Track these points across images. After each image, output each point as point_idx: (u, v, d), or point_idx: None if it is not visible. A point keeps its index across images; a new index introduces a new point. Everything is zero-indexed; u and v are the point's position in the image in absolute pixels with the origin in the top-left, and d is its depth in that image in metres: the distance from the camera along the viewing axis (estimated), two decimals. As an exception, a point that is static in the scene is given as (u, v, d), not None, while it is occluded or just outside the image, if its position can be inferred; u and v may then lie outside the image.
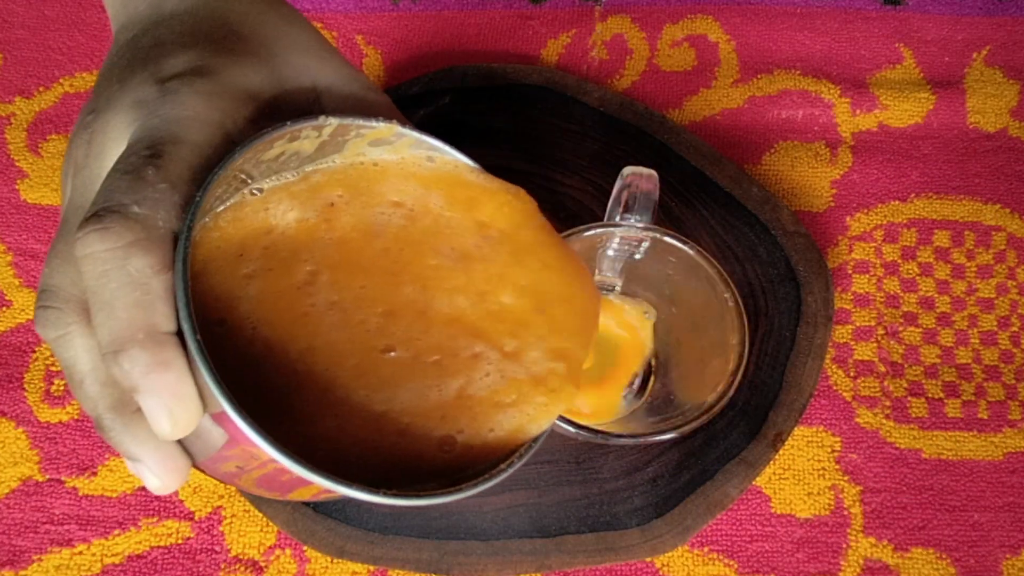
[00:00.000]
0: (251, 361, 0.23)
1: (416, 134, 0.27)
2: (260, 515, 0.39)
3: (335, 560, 0.38)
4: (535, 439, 0.25)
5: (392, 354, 0.25)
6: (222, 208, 0.25)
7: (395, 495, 0.21)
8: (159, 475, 0.23)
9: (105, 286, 0.21)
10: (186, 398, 0.21)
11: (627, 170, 0.37)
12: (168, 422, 0.21)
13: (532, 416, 0.25)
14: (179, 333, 0.21)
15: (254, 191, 0.26)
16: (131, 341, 0.21)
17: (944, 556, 0.39)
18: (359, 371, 0.24)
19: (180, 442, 0.24)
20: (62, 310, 0.23)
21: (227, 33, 0.27)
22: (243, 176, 0.25)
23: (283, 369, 0.24)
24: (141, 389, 0.21)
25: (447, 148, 0.28)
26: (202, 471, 0.25)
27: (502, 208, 0.28)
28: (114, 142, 0.24)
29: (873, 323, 0.43)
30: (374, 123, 0.26)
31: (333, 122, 0.25)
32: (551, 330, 0.26)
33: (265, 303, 0.24)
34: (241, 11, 0.27)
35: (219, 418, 0.21)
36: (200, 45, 0.26)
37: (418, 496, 0.22)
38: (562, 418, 0.34)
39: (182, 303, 0.21)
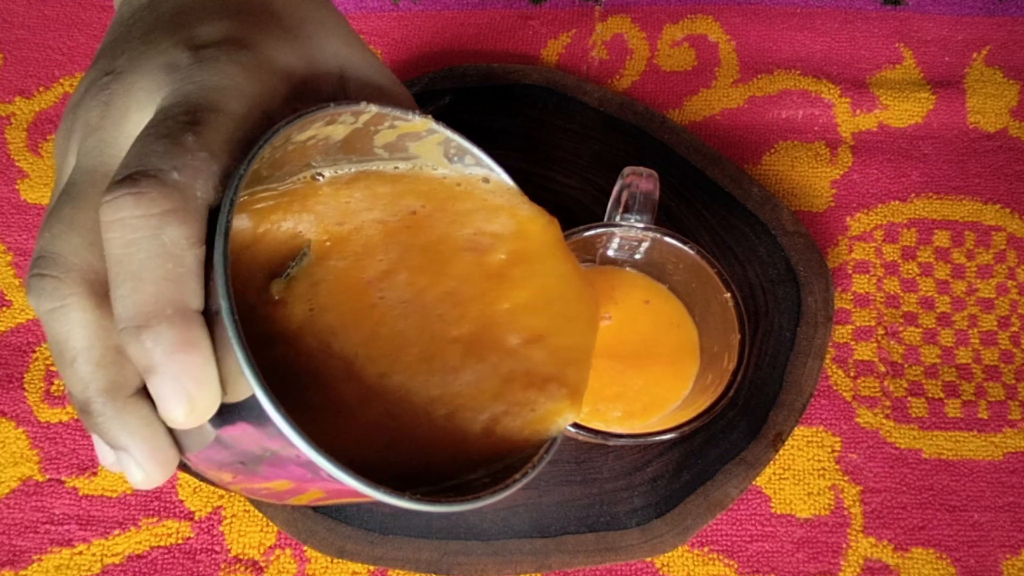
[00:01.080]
0: (305, 345, 0.23)
1: (448, 132, 0.27)
2: (260, 515, 0.39)
3: (335, 560, 0.38)
4: (550, 446, 0.25)
5: (463, 343, 0.25)
6: (279, 186, 0.25)
7: (420, 500, 0.21)
8: (146, 467, 0.22)
9: (134, 255, 0.20)
10: (208, 384, 0.20)
11: (627, 170, 0.37)
12: (184, 409, 0.20)
13: (558, 409, 0.26)
14: (205, 313, 0.20)
15: (317, 176, 0.26)
16: (158, 316, 0.19)
17: (944, 556, 0.39)
18: (424, 356, 0.25)
19: (171, 433, 0.23)
20: (61, 280, 0.21)
21: (260, 7, 0.26)
22: (296, 158, 0.25)
23: (343, 353, 0.24)
24: (160, 370, 0.20)
25: (478, 152, 0.28)
26: (186, 466, 0.24)
27: (550, 231, 0.29)
28: (139, 105, 0.23)
29: (873, 323, 0.43)
30: (409, 116, 0.26)
31: (372, 110, 0.25)
32: (576, 342, 0.28)
33: (332, 290, 0.24)
34: None
35: (238, 408, 0.20)
36: (234, 16, 0.25)
37: (442, 502, 0.21)
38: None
39: (221, 280, 0.19)
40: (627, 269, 0.40)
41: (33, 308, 0.22)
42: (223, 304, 0.19)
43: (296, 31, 0.26)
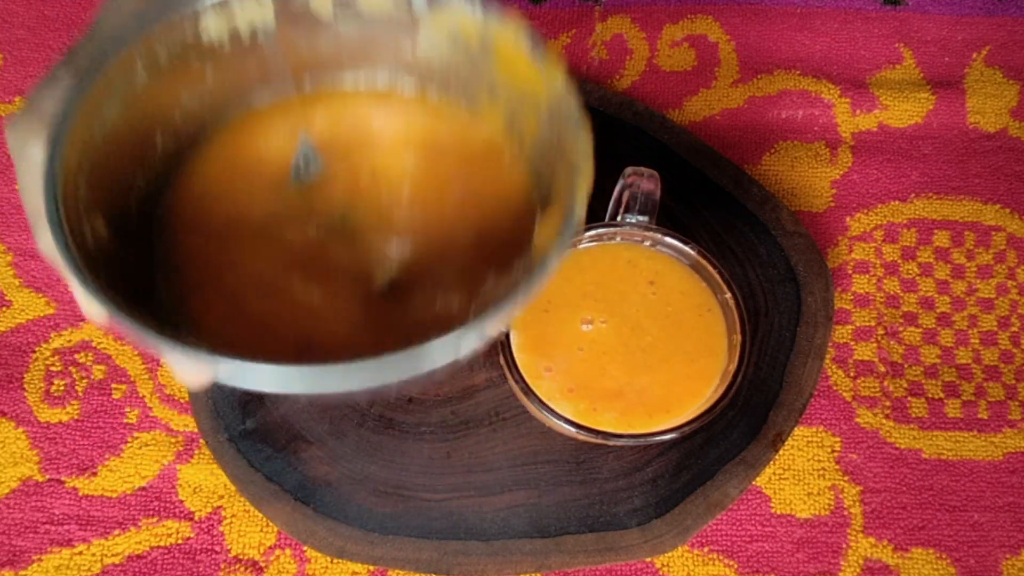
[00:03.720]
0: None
1: None
2: (260, 515, 0.39)
3: (335, 560, 0.38)
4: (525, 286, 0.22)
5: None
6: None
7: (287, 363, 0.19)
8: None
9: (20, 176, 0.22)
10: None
11: (628, 170, 0.37)
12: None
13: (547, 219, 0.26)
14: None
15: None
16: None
17: (944, 556, 0.39)
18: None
19: None
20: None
21: None
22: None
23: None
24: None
25: None
26: None
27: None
28: None
29: (873, 323, 0.43)
30: None
31: None
32: None
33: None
34: None
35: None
36: None
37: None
38: (565, 419, 0.34)
39: (49, 203, 0.19)
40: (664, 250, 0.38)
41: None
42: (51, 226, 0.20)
43: None
